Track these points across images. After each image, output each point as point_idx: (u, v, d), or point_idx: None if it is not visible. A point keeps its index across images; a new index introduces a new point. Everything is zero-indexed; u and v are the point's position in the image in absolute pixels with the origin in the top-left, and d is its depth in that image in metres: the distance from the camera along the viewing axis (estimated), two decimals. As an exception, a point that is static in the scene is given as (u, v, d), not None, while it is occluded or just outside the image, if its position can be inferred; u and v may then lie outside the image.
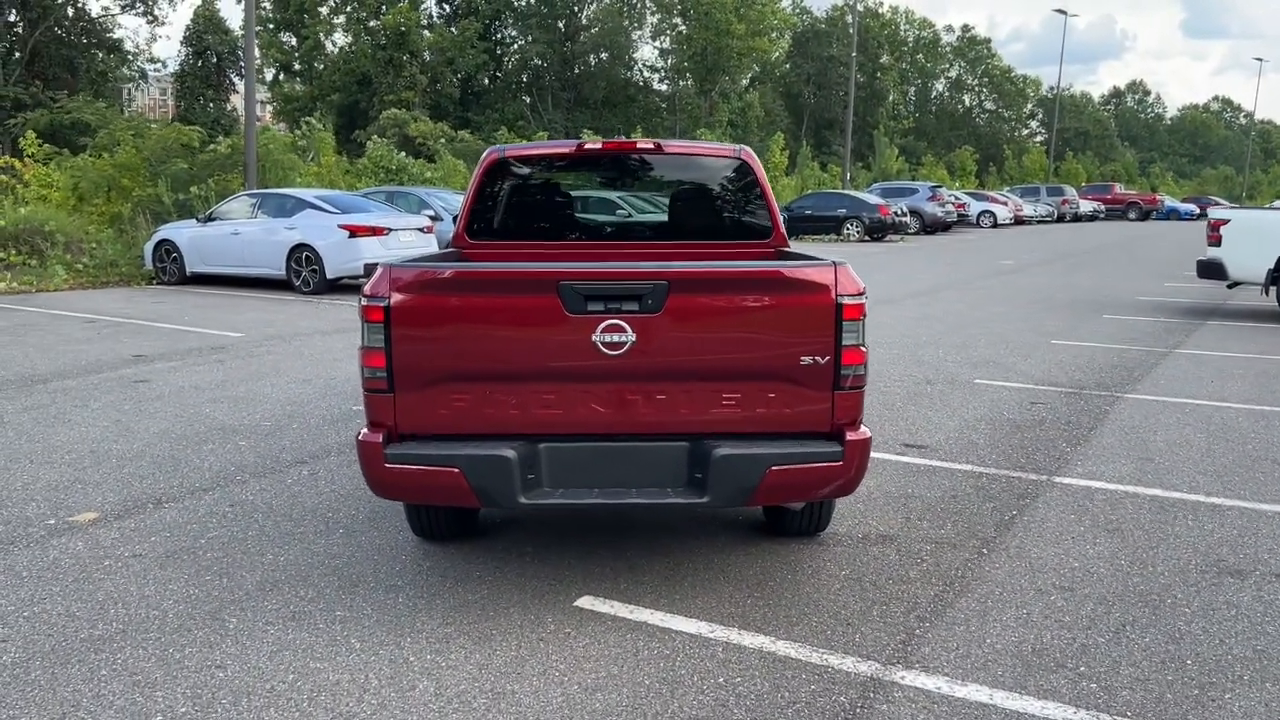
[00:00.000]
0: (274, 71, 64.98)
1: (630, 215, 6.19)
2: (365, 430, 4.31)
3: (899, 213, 35.19)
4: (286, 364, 10.63)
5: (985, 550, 5.25)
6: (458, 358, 4.24)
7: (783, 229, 6.03)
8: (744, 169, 6.01)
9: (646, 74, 72.09)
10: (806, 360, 4.27)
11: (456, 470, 4.18)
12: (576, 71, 67.75)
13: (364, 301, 4.23)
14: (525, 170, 6.17)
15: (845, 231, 34.09)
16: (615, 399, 4.28)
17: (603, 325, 4.18)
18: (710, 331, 4.27)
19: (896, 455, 7.11)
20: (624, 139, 6.03)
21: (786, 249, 6.00)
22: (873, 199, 35.35)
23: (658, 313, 4.19)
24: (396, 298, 4.19)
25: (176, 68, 58.53)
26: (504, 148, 6.12)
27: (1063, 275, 22.18)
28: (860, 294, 4.31)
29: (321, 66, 63.64)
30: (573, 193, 6.34)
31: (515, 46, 67.51)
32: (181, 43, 59.17)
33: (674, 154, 6.09)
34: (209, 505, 5.90)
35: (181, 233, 18.23)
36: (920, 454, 7.18)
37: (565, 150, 6.10)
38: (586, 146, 6.01)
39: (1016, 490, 6.33)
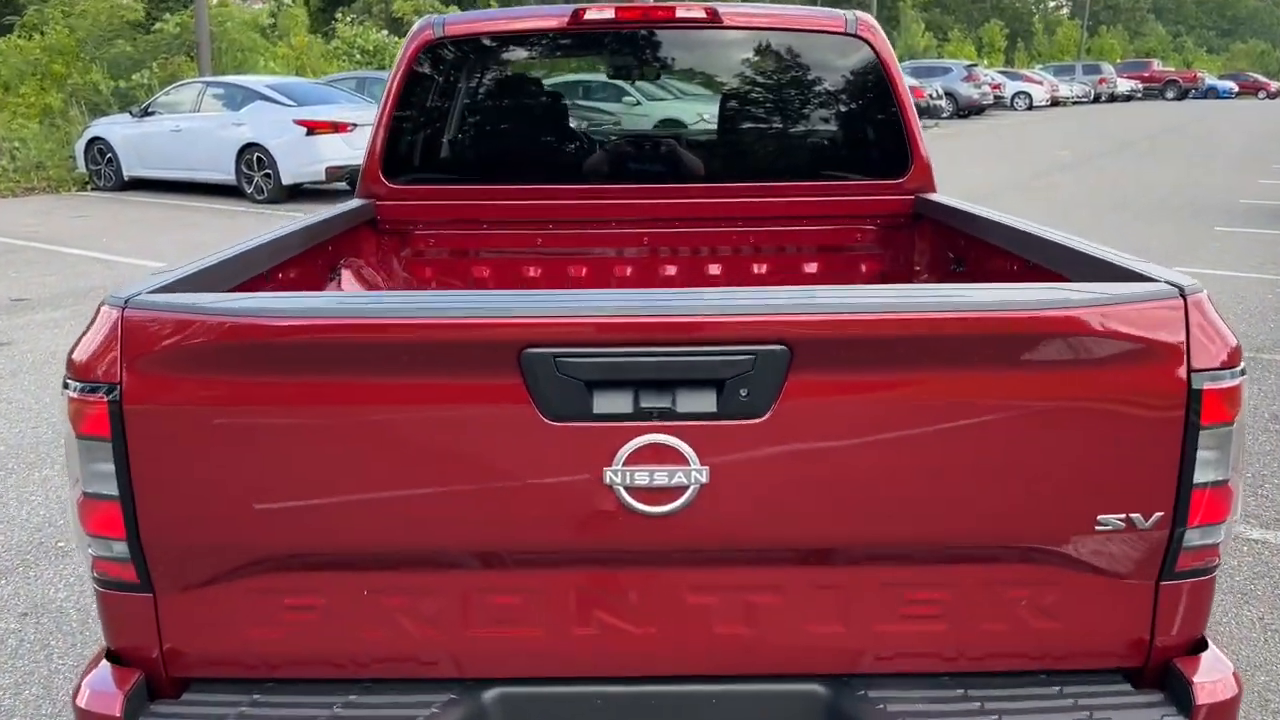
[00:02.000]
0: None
1: (661, 138, 3.61)
2: (89, 678, 1.92)
3: (933, 95, 32.07)
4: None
5: None
6: (298, 518, 1.83)
7: (926, 157, 3.51)
8: (861, 54, 3.45)
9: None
10: (1109, 521, 1.83)
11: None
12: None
13: (69, 388, 1.80)
14: (482, 59, 3.61)
15: (875, 116, 31.07)
16: (659, 604, 1.89)
17: (630, 448, 1.74)
18: (885, 456, 1.82)
19: None
20: (653, 2, 3.43)
21: (931, 194, 3.49)
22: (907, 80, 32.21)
23: (759, 417, 1.74)
24: (138, 377, 1.76)
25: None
26: (444, 18, 3.53)
27: (1133, 170, 19.43)
28: (1235, 365, 1.84)
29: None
30: (565, 99, 3.79)
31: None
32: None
33: (738, 28, 3.50)
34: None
35: (115, 130, 15.54)
36: None
37: (552, 23, 3.50)
38: (589, 15, 3.42)
39: None
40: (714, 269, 3.67)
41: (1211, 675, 1.91)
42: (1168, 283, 1.84)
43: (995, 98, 39.26)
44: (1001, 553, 1.88)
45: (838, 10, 3.59)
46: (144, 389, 1.77)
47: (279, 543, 1.85)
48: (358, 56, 25.18)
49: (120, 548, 1.86)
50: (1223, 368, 1.81)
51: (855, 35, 3.43)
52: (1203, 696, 1.88)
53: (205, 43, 18.37)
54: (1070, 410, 1.79)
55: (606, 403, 1.75)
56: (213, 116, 14.75)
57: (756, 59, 3.68)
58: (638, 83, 3.96)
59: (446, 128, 3.69)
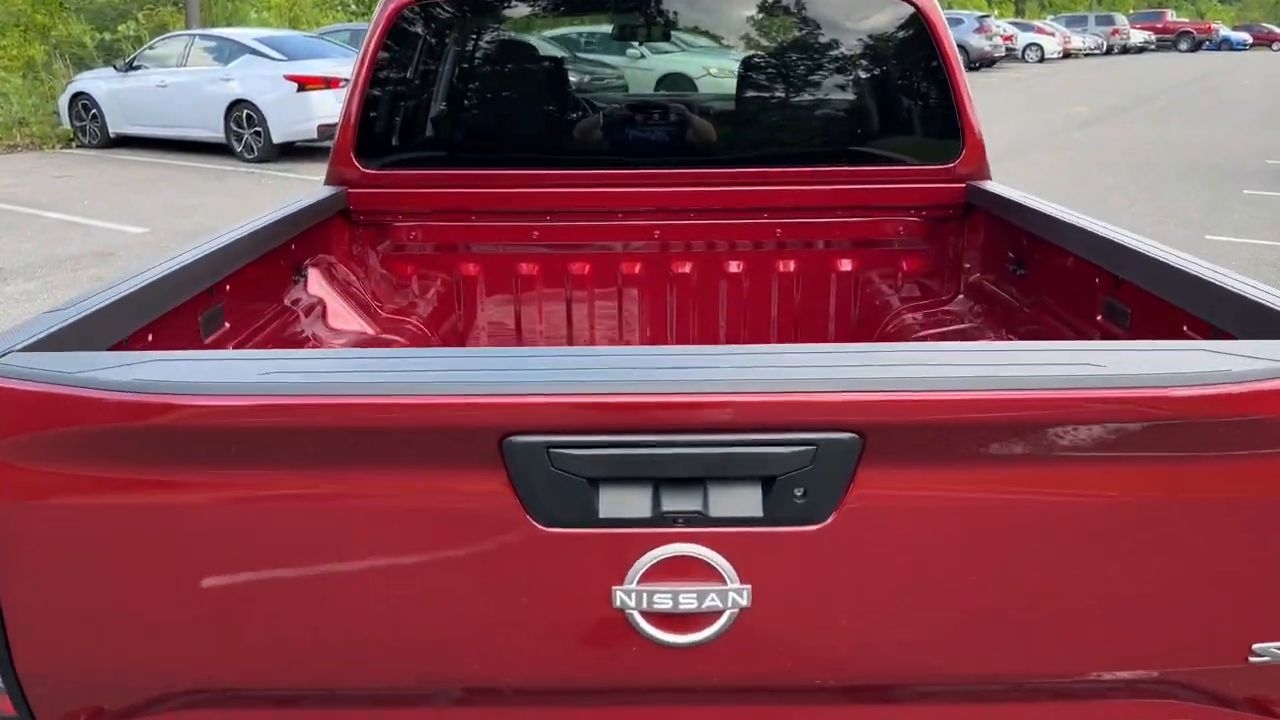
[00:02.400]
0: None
1: (674, 119, 3.13)
2: None
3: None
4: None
5: None
6: (220, 646, 1.42)
7: (980, 137, 3.05)
8: (905, 13, 2.98)
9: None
10: (1266, 652, 1.41)
11: None
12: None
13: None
14: (471, 20, 3.14)
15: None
16: None
17: (648, 563, 1.32)
18: (978, 571, 1.39)
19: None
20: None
21: (985, 181, 3.04)
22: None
23: (818, 523, 1.32)
24: (2, 468, 1.33)
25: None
26: (428, -23, 3.05)
27: (1154, 127, 18.81)
28: None
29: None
30: (567, 68, 3.32)
31: None
32: None
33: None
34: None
35: (100, 85, 14.96)
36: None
37: (547, -18, 3.02)
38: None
39: None
40: (734, 266, 3.23)
41: None
42: None
43: (1007, 50, 38.33)
44: (1120, 688, 1.46)
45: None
46: (10, 483, 1.35)
47: (193, 676, 1.44)
48: (352, 6, 24.43)
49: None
50: None
51: (903, -1, 2.96)
52: None
53: (194, -8, 17.72)
54: (1214, 510, 1.37)
55: (617, 504, 1.33)
56: (200, 71, 14.17)
57: (784, 21, 3.20)
58: (648, 53, 3.49)
59: (431, 102, 3.23)
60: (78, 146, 15.25)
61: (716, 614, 1.36)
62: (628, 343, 3.27)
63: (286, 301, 2.76)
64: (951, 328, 3.05)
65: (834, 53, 3.21)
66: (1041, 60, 41.21)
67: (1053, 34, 43.55)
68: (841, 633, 1.40)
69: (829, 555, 1.36)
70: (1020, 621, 1.40)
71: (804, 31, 3.21)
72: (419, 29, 3.12)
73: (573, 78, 3.40)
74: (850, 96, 3.27)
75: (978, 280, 3.11)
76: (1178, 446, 1.35)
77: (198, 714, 1.46)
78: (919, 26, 3.01)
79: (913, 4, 2.99)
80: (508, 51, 3.37)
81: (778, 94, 3.30)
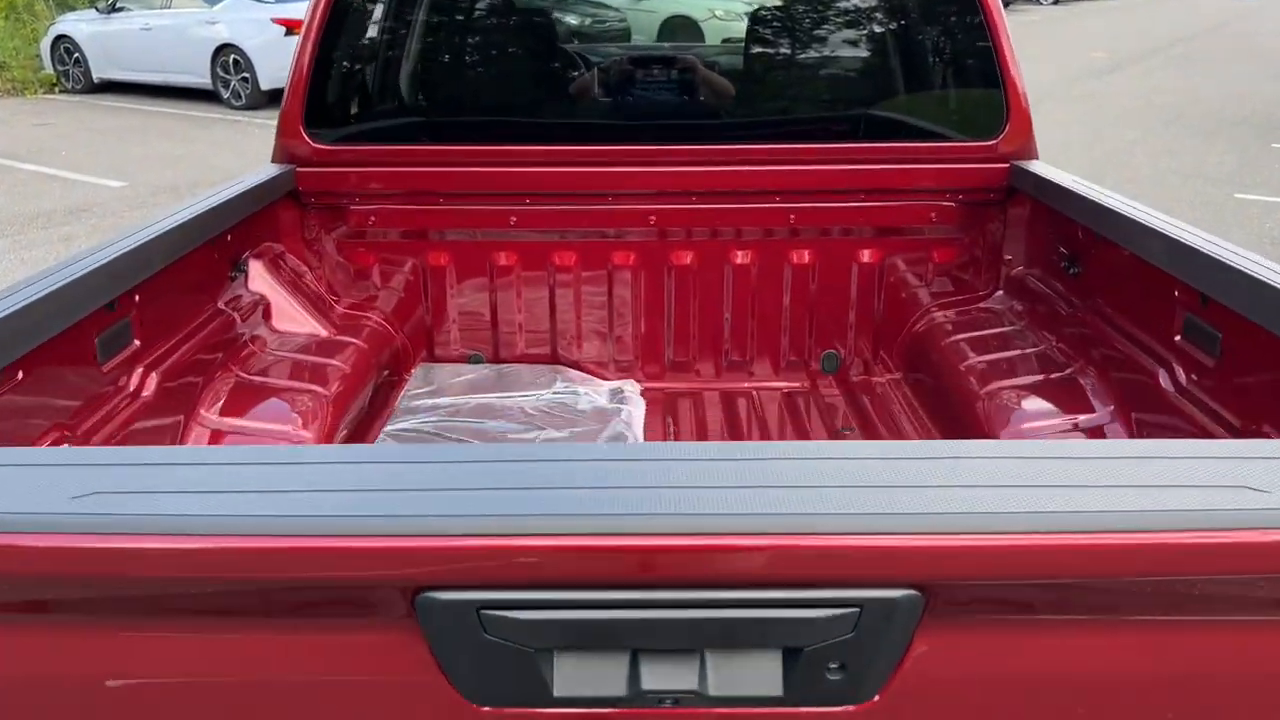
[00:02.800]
0: None
1: (703, 83, 2.69)
2: None
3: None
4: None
5: None
6: None
7: (1027, 108, 2.63)
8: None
9: None
10: None
11: None
12: None
13: None
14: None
15: None
16: None
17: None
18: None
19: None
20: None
21: (1031, 162, 2.62)
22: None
23: (859, 703, 0.94)
24: None
25: None
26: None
27: (1177, 76, 18.15)
28: None
29: None
30: (552, 27, 2.88)
31: None
32: None
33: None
34: None
35: (82, 28, 14.39)
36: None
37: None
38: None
39: None
40: (741, 256, 2.82)
41: None
42: None
43: (1021, -10, 37.30)
44: None
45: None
46: None
47: None
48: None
49: None
50: None
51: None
52: None
53: (181, -71, 17.01)
54: None
55: (578, 678, 0.95)
56: (185, 14, 13.59)
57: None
58: (651, 10, 3.06)
59: (393, 65, 2.81)
60: (60, 92, 14.74)
61: None
62: (619, 343, 2.87)
63: (221, 303, 2.37)
64: (990, 330, 2.66)
65: (862, 16, 2.77)
66: (1057, 2, 40.14)
67: (1070, -26, 42.38)
68: None
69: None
70: None
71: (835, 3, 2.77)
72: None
73: (560, 45, 2.95)
74: (875, 60, 2.84)
75: (1020, 275, 2.71)
76: None
77: None
78: None
79: None
80: (486, 7, 2.93)
81: (792, 57, 2.86)
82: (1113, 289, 2.24)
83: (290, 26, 12.77)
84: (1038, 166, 2.61)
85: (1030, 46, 23.39)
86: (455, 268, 2.82)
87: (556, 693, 0.96)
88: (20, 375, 1.59)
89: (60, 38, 14.58)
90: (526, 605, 0.92)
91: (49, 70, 14.86)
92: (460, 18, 2.91)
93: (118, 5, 14.28)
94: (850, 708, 0.97)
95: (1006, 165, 2.66)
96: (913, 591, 0.93)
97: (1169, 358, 1.98)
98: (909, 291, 2.85)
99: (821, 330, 2.87)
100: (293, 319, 2.58)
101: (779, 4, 2.96)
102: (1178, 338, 1.97)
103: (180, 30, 13.44)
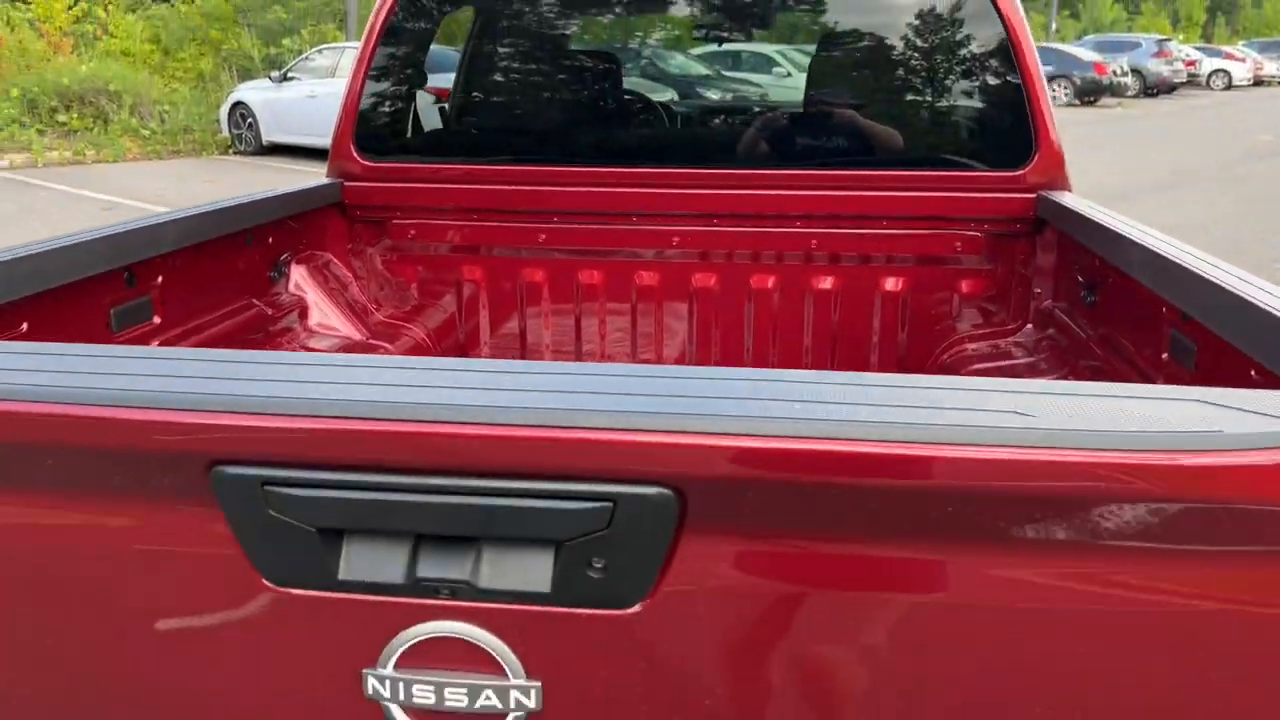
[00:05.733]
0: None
1: (726, 108, 2.78)
2: None
3: (1118, 71, 29.60)
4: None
5: None
6: None
7: (1057, 143, 2.60)
8: (984, 12, 2.56)
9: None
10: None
11: None
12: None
13: None
14: (479, 4, 2.89)
15: (1050, 93, 28.85)
16: None
17: (407, 643, 1.01)
18: (837, 677, 1.01)
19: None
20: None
21: (1062, 191, 2.58)
22: (1086, 54, 29.79)
23: (627, 607, 0.98)
24: None
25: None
26: (434, -42, 2.84)
27: (1349, 160, 17.17)
28: None
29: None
30: (582, 58, 3.02)
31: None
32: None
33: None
34: None
35: (256, 95, 15.59)
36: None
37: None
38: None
39: None
40: (763, 281, 2.85)
41: None
42: None
43: (1189, 76, 36.11)
44: None
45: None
46: None
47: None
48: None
49: None
50: None
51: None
52: None
53: (353, 9, 18.30)
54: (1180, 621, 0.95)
55: (362, 563, 1.02)
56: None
57: (829, 9, 2.82)
58: (677, 38, 3.16)
59: (431, 94, 3.00)
60: (234, 153, 15.91)
61: (496, 718, 1.03)
62: (641, 359, 2.93)
63: (256, 299, 2.55)
64: (1018, 361, 2.61)
65: (883, 33, 2.81)
66: (1228, 87, 38.68)
67: (1243, 59, 40.83)
68: None
69: (642, 648, 1.01)
70: None
71: (858, 20, 2.82)
72: (428, 10, 2.89)
73: (588, 75, 3.09)
74: (903, 86, 2.85)
75: (1049, 308, 2.65)
76: (1124, 535, 0.94)
77: None
78: (992, 21, 2.59)
79: (987, 2, 2.58)
80: (520, 37, 3.10)
81: (822, 89, 2.91)
82: (1118, 314, 2.18)
83: (440, 95, 13.51)
84: (1065, 198, 2.57)
85: (1192, 129, 22.63)
86: (487, 282, 2.95)
87: (340, 575, 1.02)
88: (25, 327, 1.77)
89: (237, 104, 15.81)
90: (305, 484, 1.00)
91: (225, 133, 16.09)
92: (499, 55, 3.09)
93: (289, 75, 15.42)
94: (616, 611, 1.00)
95: (1034, 196, 2.62)
96: (666, 490, 0.96)
97: (1157, 378, 1.92)
98: (936, 322, 2.81)
99: (844, 358, 2.86)
100: (328, 321, 2.75)
101: (804, 37, 3.02)
102: (1165, 355, 1.91)
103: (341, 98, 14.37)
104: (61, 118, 15.87)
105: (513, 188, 2.84)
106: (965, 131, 2.80)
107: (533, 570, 1.00)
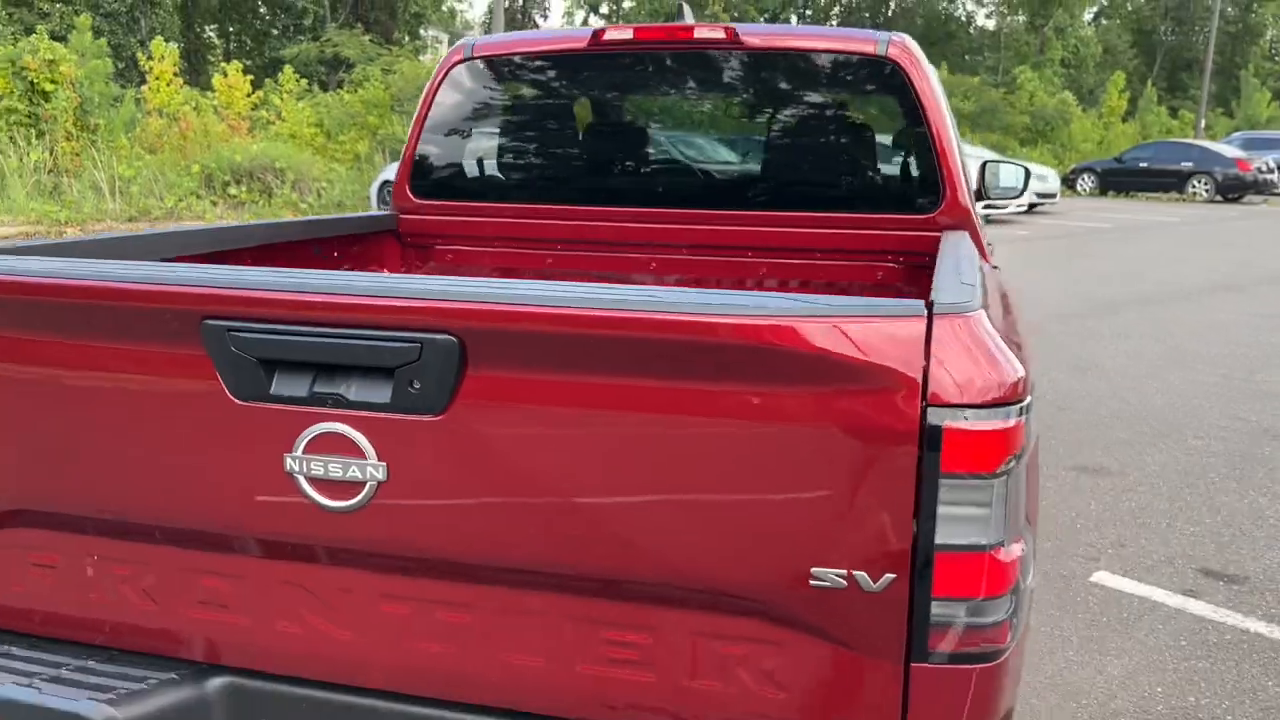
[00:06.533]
0: (584, 13, 64.71)
1: (696, 161, 3.45)
2: None
3: (1263, 168, 28.87)
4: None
5: None
6: (18, 471, 1.89)
7: (964, 194, 3.14)
8: (890, 78, 3.16)
9: (971, 7, 65.77)
10: (826, 576, 1.54)
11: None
12: (892, 10, 62.75)
13: None
14: (507, 79, 3.64)
15: (1190, 189, 28.33)
16: (356, 607, 1.77)
17: (309, 436, 1.66)
18: (567, 470, 1.63)
19: (1180, 595, 4.07)
20: (680, 23, 3.33)
21: (964, 230, 3.11)
22: (1230, 151, 29.18)
23: (438, 413, 1.61)
24: None
25: (485, 12, 59.55)
26: (475, 40, 3.60)
27: None
28: (1000, 401, 1.48)
29: (631, 4, 62.63)
30: (582, 122, 3.72)
31: (828, -19, 63.24)
32: (492, -15, 60.01)
33: (760, 50, 3.33)
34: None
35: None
36: (1229, 597, 4.07)
37: (573, 44, 3.48)
38: (608, 36, 3.38)
39: None
40: None
41: None
42: (926, 304, 1.53)
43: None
44: (704, 600, 1.62)
45: (870, 31, 3.32)
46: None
47: (19, 498, 1.92)
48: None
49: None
50: (978, 404, 1.47)
51: (883, 59, 3.15)
52: None
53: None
54: (778, 437, 1.52)
55: (285, 384, 1.69)
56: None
57: (782, 82, 3.46)
58: (657, 107, 3.81)
59: (469, 147, 3.75)
60: (380, 227, 17.40)
61: (360, 484, 1.67)
62: None
63: None
64: None
65: (827, 113, 3.41)
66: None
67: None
68: (463, 514, 1.66)
69: (448, 442, 1.63)
70: (604, 523, 1.60)
71: (799, 94, 3.44)
72: (464, 86, 3.65)
73: (587, 135, 3.78)
74: (840, 152, 3.44)
75: None
76: (727, 371, 1.52)
77: (21, 533, 1.93)
78: (906, 91, 3.17)
79: (901, 70, 3.16)
80: (533, 106, 3.81)
81: (771, 149, 3.53)
82: None
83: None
84: (962, 236, 3.10)
85: (1239, 237, 21.41)
86: None
87: (271, 390, 1.68)
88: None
89: (385, 182, 17.34)
90: (253, 331, 1.66)
91: (374, 208, 17.62)
92: (520, 120, 3.82)
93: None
94: (430, 417, 1.62)
95: (939, 234, 3.16)
96: (451, 337, 1.58)
97: None
98: None
99: None
100: None
101: (761, 120, 3.65)
102: None
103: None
104: (233, 190, 17.66)
105: (527, 222, 3.55)
106: (888, 185, 3.37)
107: (378, 388, 1.64)
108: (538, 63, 3.60)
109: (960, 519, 1.49)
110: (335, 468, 1.67)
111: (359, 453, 1.66)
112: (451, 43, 21.89)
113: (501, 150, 3.78)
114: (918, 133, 3.16)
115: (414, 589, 1.74)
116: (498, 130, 3.77)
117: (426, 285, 1.64)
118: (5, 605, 1.98)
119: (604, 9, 64.81)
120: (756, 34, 3.27)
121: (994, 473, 1.48)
